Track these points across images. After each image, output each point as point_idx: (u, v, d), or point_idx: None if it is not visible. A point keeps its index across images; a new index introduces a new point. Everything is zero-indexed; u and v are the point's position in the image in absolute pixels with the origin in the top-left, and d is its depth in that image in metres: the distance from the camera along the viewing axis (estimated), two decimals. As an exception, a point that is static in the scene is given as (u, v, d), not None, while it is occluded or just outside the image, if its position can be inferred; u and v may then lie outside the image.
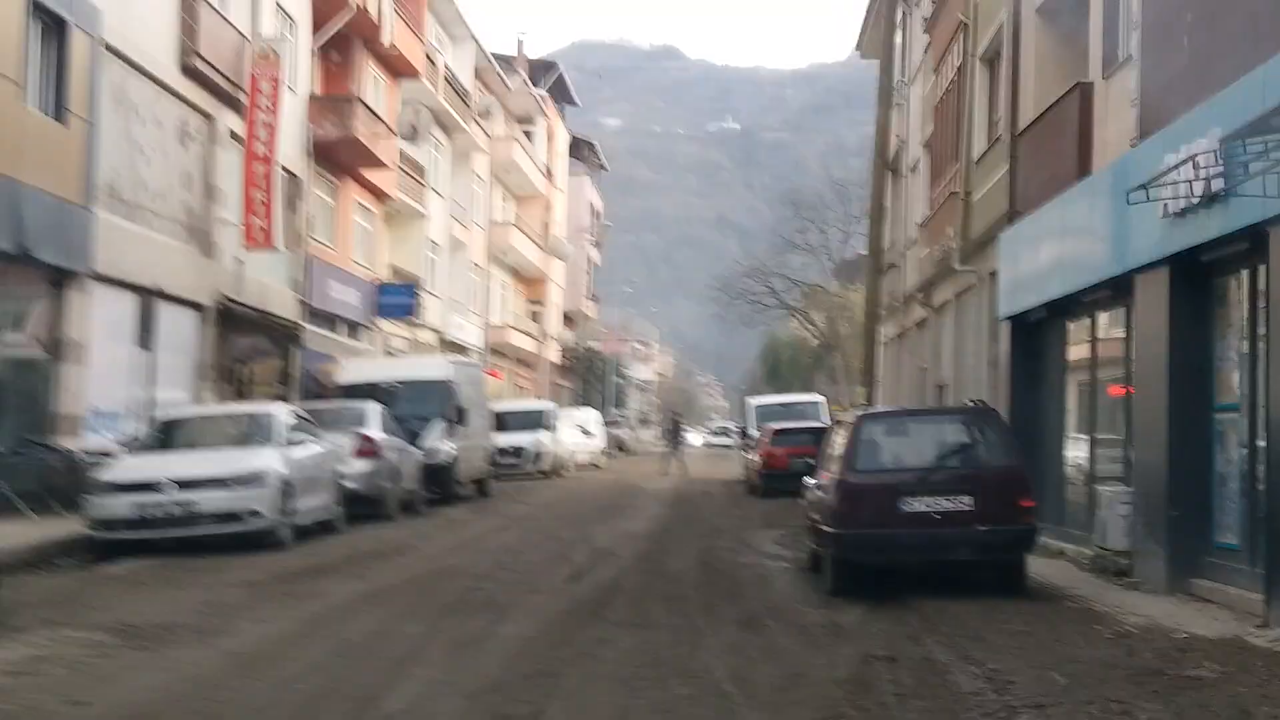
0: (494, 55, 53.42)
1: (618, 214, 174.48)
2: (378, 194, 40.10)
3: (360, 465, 21.39)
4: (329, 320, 36.14)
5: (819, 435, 32.76)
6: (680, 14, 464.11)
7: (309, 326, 33.35)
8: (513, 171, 56.44)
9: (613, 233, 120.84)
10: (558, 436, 41.60)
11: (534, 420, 40.11)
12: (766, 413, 40.82)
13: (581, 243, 72.54)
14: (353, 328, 37.92)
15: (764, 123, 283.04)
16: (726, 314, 63.50)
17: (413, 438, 25.07)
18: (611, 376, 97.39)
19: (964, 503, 13.44)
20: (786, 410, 41.11)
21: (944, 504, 13.44)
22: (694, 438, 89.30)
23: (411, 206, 43.30)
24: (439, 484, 26.05)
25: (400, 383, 26.85)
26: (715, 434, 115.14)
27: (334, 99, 34.75)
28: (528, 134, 59.66)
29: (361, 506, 21.53)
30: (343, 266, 37.17)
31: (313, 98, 34.16)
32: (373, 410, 22.85)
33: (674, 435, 44.74)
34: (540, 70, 61.45)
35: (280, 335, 31.40)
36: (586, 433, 48.87)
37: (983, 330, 23.89)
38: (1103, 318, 17.36)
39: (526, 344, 58.33)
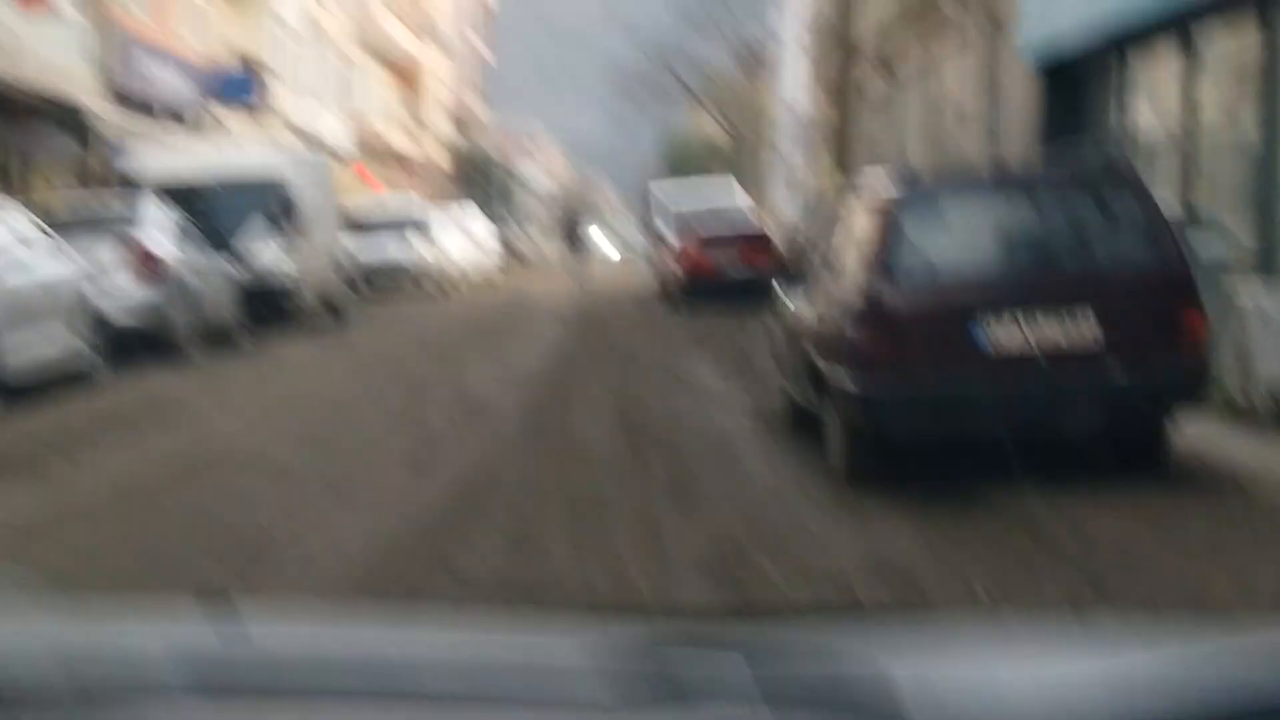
0: None
1: (512, 15, 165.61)
2: (207, -42, 32.83)
3: (133, 288, 15.08)
4: (148, 109, 29.22)
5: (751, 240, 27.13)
6: None
7: (114, 114, 26.45)
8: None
9: (508, 35, 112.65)
10: (441, 247, 35.20)
11: (408, 226, 33.58)
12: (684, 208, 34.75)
13: (469, 37, 64.99)
14: (183, 119, 31.03)
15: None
16: (624, 106, 56.74)
17: (230, 252, 18.70)
18: (503, 180, 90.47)
19: (1088, 330, 7.59)
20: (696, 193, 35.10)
21: (1054, 333, 7.59)
22: (603, 244, 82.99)
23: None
24: (272, 310, 19.82)
25: (220, 183, 20.38)
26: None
27: None
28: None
29: (146, 346, 15.34)
30: (165, 45, 30.10)
31: None
32: (152, 210, 16.37)
33: (574, 237, 38.32)
34: None
35: (73, 123, 24.51)
36: (476, 243, 42.51)
37: (986, 89, 17.85)
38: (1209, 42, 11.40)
39: (405, 145, 51.37)
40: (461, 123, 64.88)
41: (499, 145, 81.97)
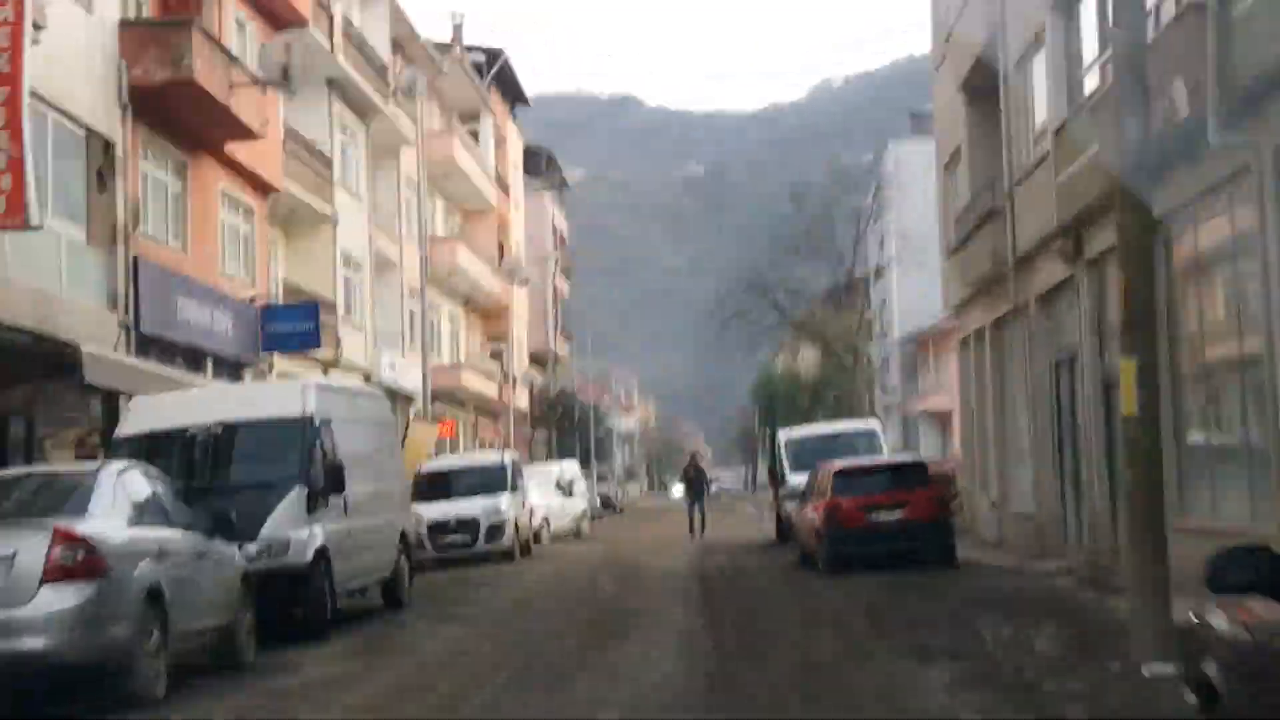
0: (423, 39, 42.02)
1: (587, 268, 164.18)
2: (257, 185, 28.44)
3: (52, 598, 9.57)
4: (184, 355, 24.39)
5: (903, 476, 21.50)
6: (636, 62, 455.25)
7: (135, 362, 21.51)
8: (455, 177, 44.85)
9: (582, 284, 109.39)
10: (525, 499, 29.69)
11: (491, 480, 28.10)
12: (803, 449, 29.13)
13: (547, 270, 60.93)
14: (226, 366, 26.17)
15: (728, 165, 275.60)
16: (721, 339, 51.67)
17: (238, 523, 13.17)
18: (592, 426, 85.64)
19: None
20: (832, 443, 29.44)
21: None
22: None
23: (312, 208, 31.68)
24: (297, 602, 14.20)
25: (222, 425, 15.02)
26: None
27: (158, 25, 23.15)
28: (473, 134, 48.11)
29: (69, 682, 9.79)
30: (201, 279, 25.42)
31: (125, 24, 22.53)
32: (104, 479, 10.90)
33: (697, 484, 32.80)
34: (481, 60, 49.76)
35: (73, 371, 19.50)
36: (565, 491, 36.99)
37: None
38: None
39: (486, 388, 46.61)
40: (544, 364, 60.25)
41: (581, 387, 77.22)
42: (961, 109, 24.78)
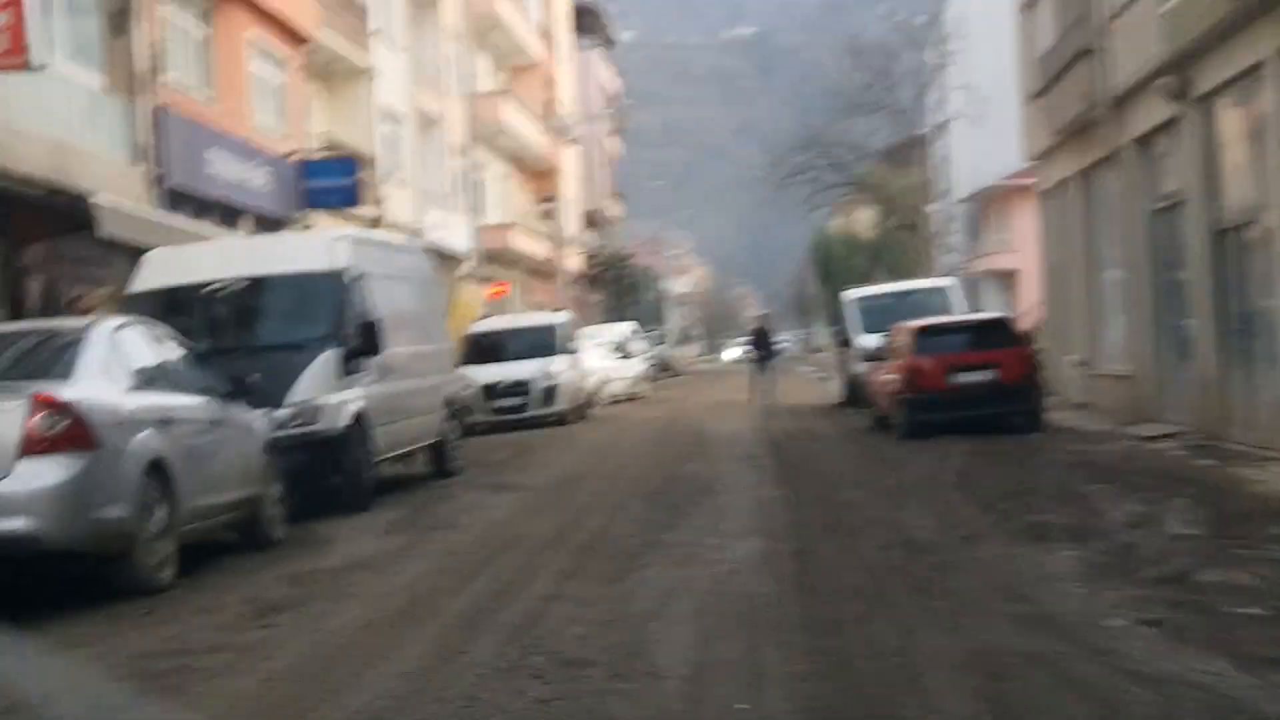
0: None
1: (638, 130, 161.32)
2: (290, 33, 26.66)
3: (32, 473, 8.16)
4: (218, 211, 22.93)
5: (989, 334, 19.81)
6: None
7: (158, 215, 20.02)
8: (499, 30, 42.73)
9: (633, 148, 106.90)
10: (580, 362, 28.18)
11: (543, 342, 26.57)
12: (873, 310, 27.37)
13: (597, 129, 58.78)
14: (264, 224, 24.67)
15: (780, 25, 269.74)
16: (776, 200, 49.42)
17: (266, 387, 11.75)
18: (647, 288, 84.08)
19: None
20: (903, 302, 27.66)
21: None
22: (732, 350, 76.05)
23: (349, 61, 29.89)
24: (333, 472, 12.80)
25: (247, 280, 13.51)
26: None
27: None
28: (518, -15, 45.86)
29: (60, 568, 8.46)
30: (233, 131, 23.81)
31: None
32: (96, 337, 9.37)
33: (764, 346, 30.76)
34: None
35: (88, 224, 18.01)
36: (624, 354, 35.52)
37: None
38: None
39: (537, 249, 44.96)
40: (597, 225, 58.49)
41: (635, 250, 75.49)
42: (1049, -63, 22.56)
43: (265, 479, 10.84)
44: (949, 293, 27.43)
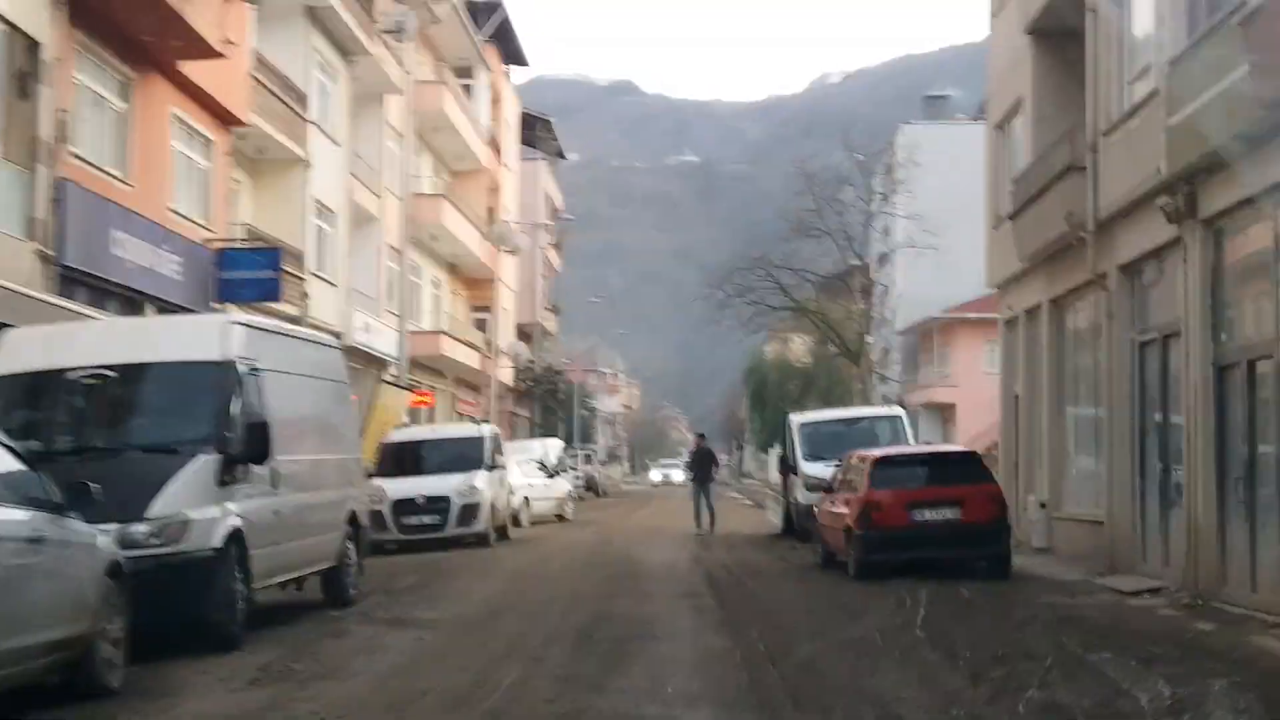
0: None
1: (577, 249, 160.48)
2: (218, 113, 24.81)
3: None
4: (119, 298, 20.87)
5: (955, 468, 18.02)
6: (636, 49, 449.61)
7: (63, 303, 17.93)
8: (444, 132, 41.17)
9: (571, 267, 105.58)
10: (504, 478, 26.08)
11: (466, 454, 24.43)
12: (820, 436, 25.65)
13: (538, 240, 57.21)
14: (171, 314, 22.52)
15: (723, 155, 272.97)
16: (713, 321, 47.86)
17: (123, 497, 9.64)
18: (577, 406, 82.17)
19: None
20: (852, 429, 25.98)
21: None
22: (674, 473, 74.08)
23: (283, 149, 28.08)
24: (198, 602, 10.61)
25: (116, 368, 11.40)
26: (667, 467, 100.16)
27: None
28: (466, 89, 44.39)
29: None
30: (146, 212, 21.81)
31: (59, -95, 18.88)
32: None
33: (704, 468, 28.50)
34: (479, 12, 45.86)
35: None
36: (551, 472, 33.50)
37: None
38: None
39: (468, 358, 43.00)
40: (531, 339, 56.70)
41: (568, 366, 73.72)
42: (1027, 56, 21.23)
43: (103, 612, 8.69)
44: (899, 422, 25.77)
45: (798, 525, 25.24)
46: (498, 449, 25.26)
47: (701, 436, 32.30)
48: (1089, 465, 19.75)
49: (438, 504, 22.70)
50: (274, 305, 26.28)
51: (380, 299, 36.03)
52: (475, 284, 48.02)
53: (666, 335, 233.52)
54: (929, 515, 17.06)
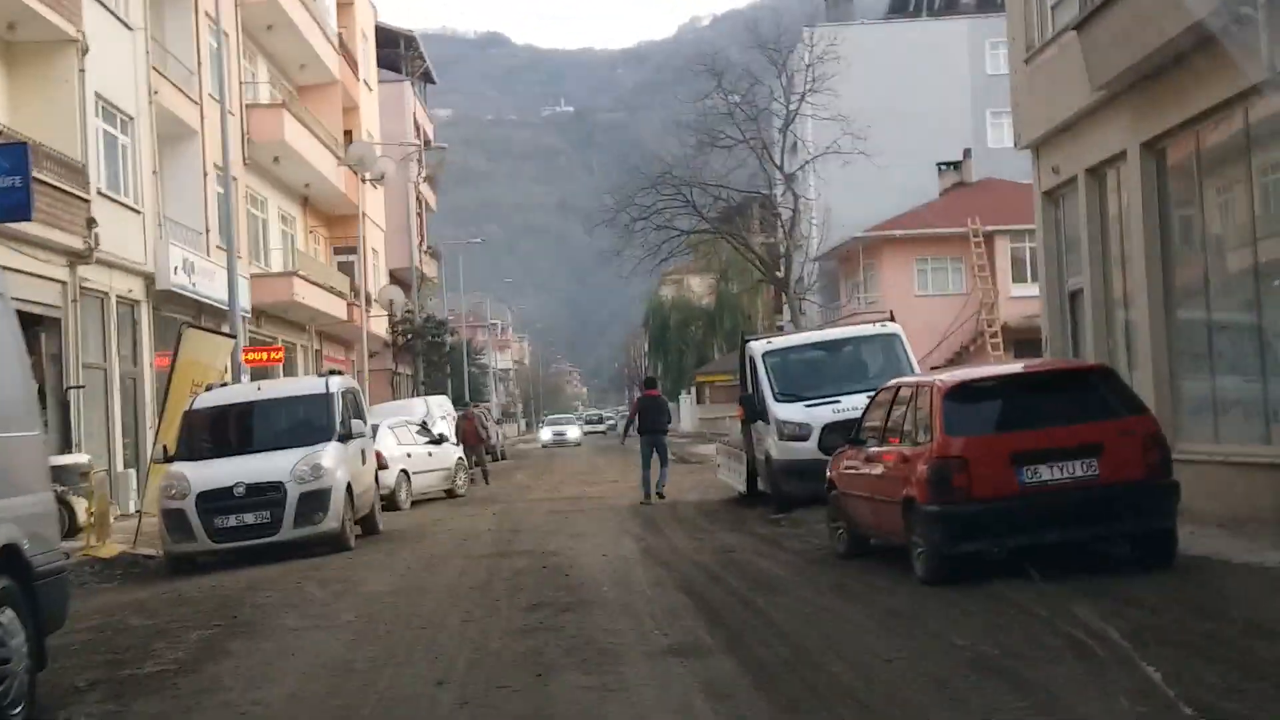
0: None
1: (456, 205, 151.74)
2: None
3: None
4: None
5: (1077, 395, 10.97)
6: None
7: None
8: (282, 31, 33.27)
9: (450, 226, 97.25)
10: (369, 450, 18.53)
11: (309, 421, 16.70)
12: (792, 369, 18.67)
13: (409, 174, 49.35)
14: None
15: (598, 104, 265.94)
16: (601, 271, 40.62)
17: None
18: (467, 363, 74.59)
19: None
20: (834, 358, 19.06)
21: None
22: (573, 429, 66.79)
23: (47, 21, 20.33)
24: None
25: None
26: (590, 421, 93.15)
27: None
28: (306, -16, 36.36)
29: None
30: None
31: None
32: None
33: (656, 420, 21.30)
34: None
35: None
36: (431, 436, 26.09)
37: None
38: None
39: (331, 306, 35.34)
40: (407, 287, 48.99)
41: (453, 321, 66.00)
42: None
43: None
44: (896, 343, 18.82)
45: (769, 487, 18.30)
46: (357, 411, 17.77)
47: (650, 383, 24.90)
48: (1232, 385, 13.05)
49: (266, 495, 15.20)
50: (37, 231, 18.71)
51: (209, 235, 28.27)
52: (336, 221, 40.20)
53: (553, 289, 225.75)
54: (1049, 474, 10.13)
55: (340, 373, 18.60)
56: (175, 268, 25.19)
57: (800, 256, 43.44)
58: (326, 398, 16.69)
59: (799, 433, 17.50)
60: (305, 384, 18.32)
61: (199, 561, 15.58)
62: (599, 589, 11.24)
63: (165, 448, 16.30)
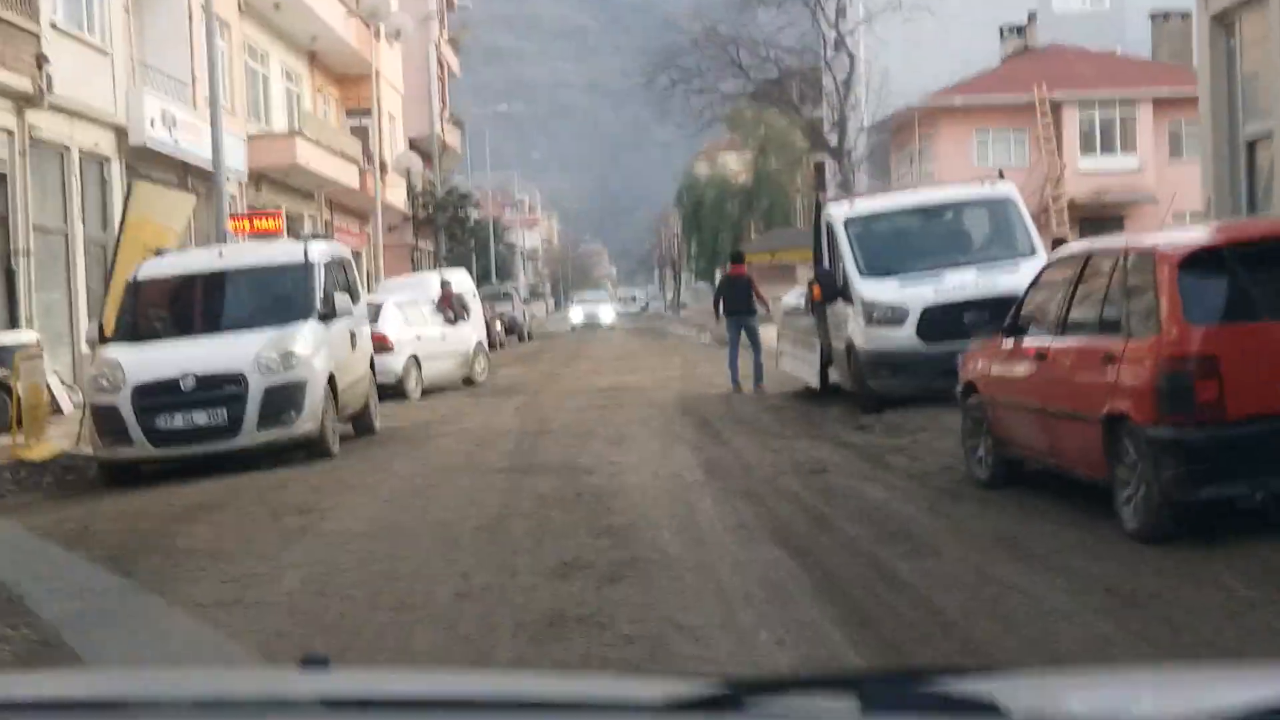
0: None
1: (483, 83, 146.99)
2: None
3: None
4: None
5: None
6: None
7: None
8: None
9: (480, 104, 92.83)
10: (358, 331, 14.85)
11: (281, 296, 13.02)
12: (882, 239, 14.98)
13: (429, 34, 45.22)
14: None
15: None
16: (665, 110, 36.51)
17: None
18: (495, 241, 71.14)
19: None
20: (932, 226, 15.38)
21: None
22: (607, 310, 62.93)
23: None
24: None
25: None
26: (625, 301, 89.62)
27: None
28: None
29: None
30: None
31: None
32: None
33: (742, 299, 17.97)
34: None
35: None
36: (447, 315, 22.50)
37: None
38: None
39: (340, 173, 31.62)
40: (428, 157, 45.15)
41: (478, 196, 62.09)
42: None
43: None
44: (1010, 208, 15.09)
45: (852, 382, 14.74)
46: (344, 283, 14.19)
47: (737, 257, 20.73)
48: None
49: (223, 388, 11.69)
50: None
51: (196, 86, 24.53)
52: (348, 82, 36.26)
53: (582, 169, 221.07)
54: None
55: (326, 236, 15.00)
56: (152, 120, 21.53)
57: (854, 124, 39.31)
58: (305, 268, 13.05)
59: (892, 316, 13.95)
60: (279, 250, 14.56)
61: (144, 469, 12.21)
62: (657, 537, 7.76)
63: (102, 327, 12.83)
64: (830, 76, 36.65)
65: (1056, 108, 43.02)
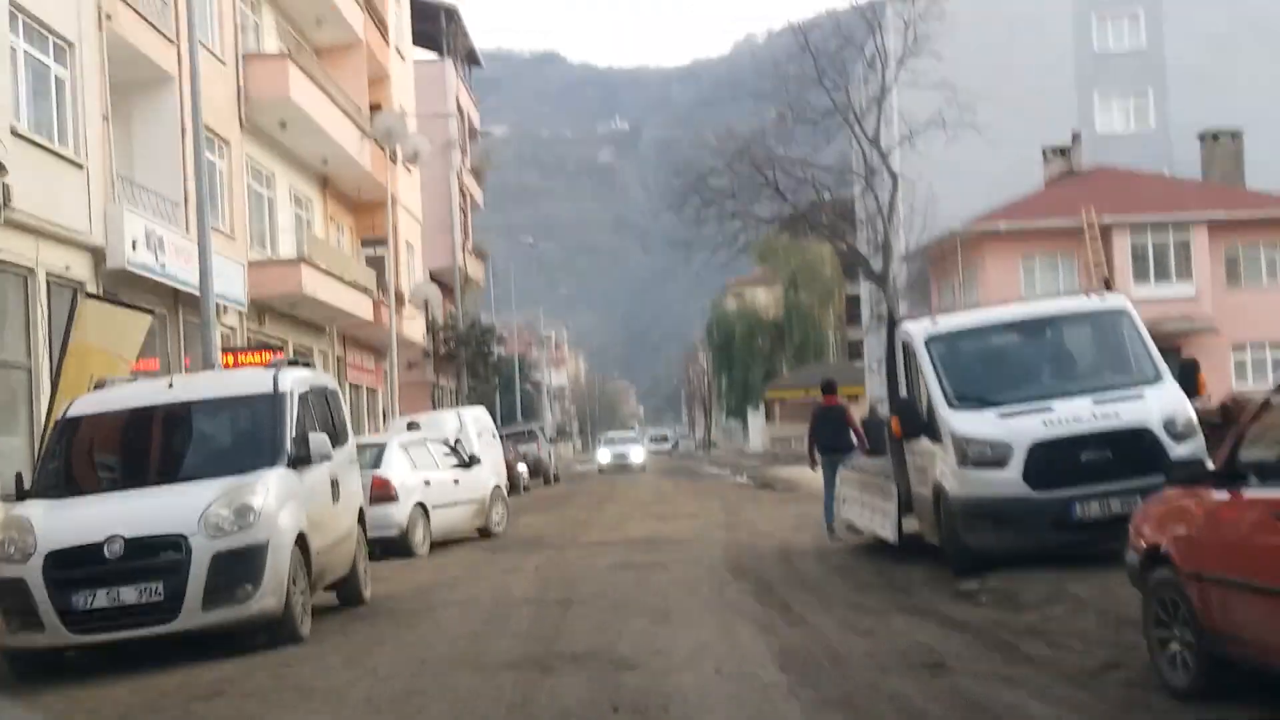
0: None
1: (511, 223, 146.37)
2: None
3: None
4: None
5: None
6: (558, 19, 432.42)
7: None
8: (292, -26, 27.50)
9: (505, 242, 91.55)
10: (341, 478, 12.25)
11: (243, 436, 10.59)
12: (974, 360, 12.43)
13: (450, 162, 43.39)
14: None
15: (652, 121, 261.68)
16: (695, 237, 34.25)
17: None
18: (519, 379, 68.91)
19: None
20: (1033, 346, 12.76)
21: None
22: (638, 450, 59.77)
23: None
24: None
25: None
26: (655, 440, 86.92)
27: None
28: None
29: None
30: None
31: None
32: None
33: (839, 437, 15.83)
34: None
35: None
36: (461, 459, 19.87)
37: None
38: None
39: (352, 304, 29.37)
40: (449, 290, 43.06)
41: (503, 332, 59.80)
42: None
43: None
44: (1123, 321, 12.52)
45: (943, 537, 12.03)
46: (329, 421, 11.65)
47: (829, 387, 17.92)
48: None
49: (159, 555, 9.09)
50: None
51: (189, 207, 22.36)
52: (363, 209, 34.22)
53: (609, 306, 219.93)
54: None
55: (305, 363, 12.50)
56: (134, 241, 19.27)
57: (898, 247, 37.01)
58: (273, 400, 10.51)
59: (991, 456, 11.30)
60: (242, 379, 11.90)
61: (68, 657, 9.58)
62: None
63: (19, 476, 10.29)
64: (873, 196, 34.37)
65: (1106, 231, 40.72)
